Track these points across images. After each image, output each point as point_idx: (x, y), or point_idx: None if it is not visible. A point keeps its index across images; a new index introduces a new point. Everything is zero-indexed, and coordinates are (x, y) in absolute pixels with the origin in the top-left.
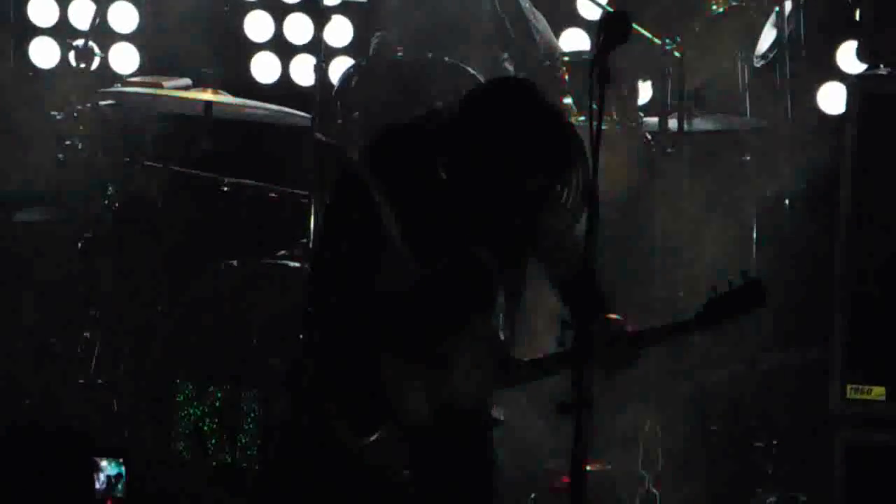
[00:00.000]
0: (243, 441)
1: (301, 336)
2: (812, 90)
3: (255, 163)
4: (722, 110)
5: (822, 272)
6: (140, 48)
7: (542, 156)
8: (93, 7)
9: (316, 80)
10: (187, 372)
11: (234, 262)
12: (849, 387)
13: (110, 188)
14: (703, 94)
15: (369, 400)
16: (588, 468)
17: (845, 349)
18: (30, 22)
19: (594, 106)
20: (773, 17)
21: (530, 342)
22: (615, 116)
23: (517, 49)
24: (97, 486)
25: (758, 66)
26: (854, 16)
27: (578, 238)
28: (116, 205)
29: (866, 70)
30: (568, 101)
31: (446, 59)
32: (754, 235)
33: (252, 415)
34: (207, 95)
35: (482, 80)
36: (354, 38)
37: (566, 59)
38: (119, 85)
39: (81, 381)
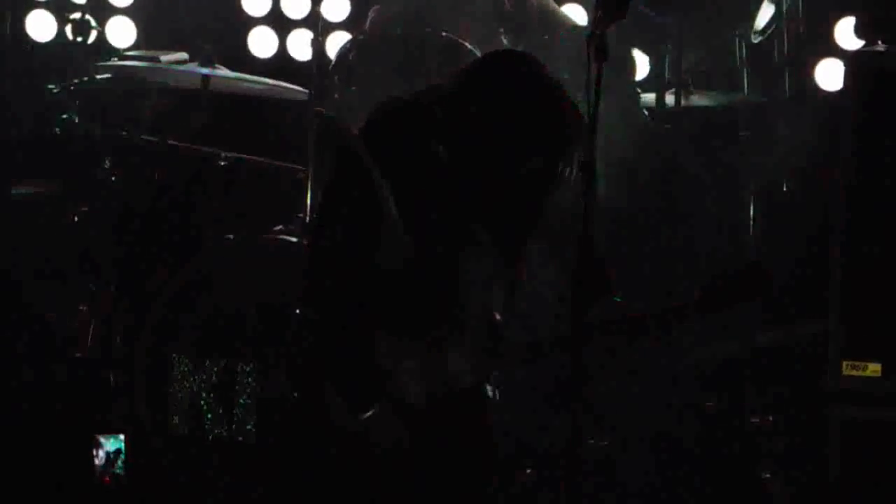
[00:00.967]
0: (240, 415)
1: (297, 312)
2: (810, 66)
3: (251, 137)
4: (719, 86)
5: (819, 249)
6: (137, 22)
7: (545, 132)
8: None
9: (313, 54)
10: (184, 346)
11: (231, 237)
12: (844, 363)
13: (107, 162)
14: (701, 70)
15: (365, 378)
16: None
17: (841, 326)
18: None
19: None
20: None
21: (527, 325)
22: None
23: (514, 22)
24: (97, 462)
25: (755, 42)
26: None
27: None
28: (113, 178)
29: (864, 46)
30: (566, 76)
31: (444, 33)
32: (752, 212)
33: (249, 389)
34: (204, 70)
35: (479, 54)
36: (351, 12)
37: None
38: (116, 59)
39: (78, 355)
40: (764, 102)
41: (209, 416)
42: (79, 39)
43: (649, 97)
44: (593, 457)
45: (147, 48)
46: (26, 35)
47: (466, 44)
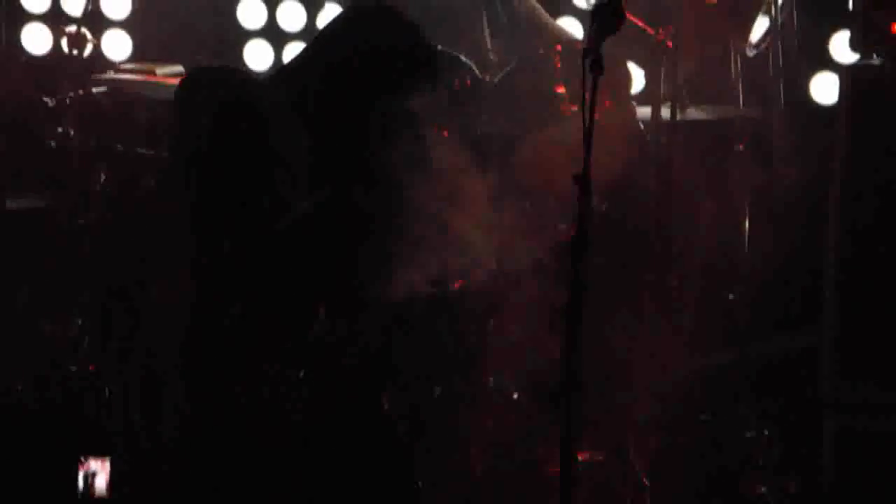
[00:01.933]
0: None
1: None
2: (805, 80)
3: None
4: (715, 100)
5: (814, 261)
6: (132, 35)
7: (399, 73)
8: None
9: None
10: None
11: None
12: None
13: (102, 175)
14: (696, 84)
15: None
16: (579, 457)
17: (835, 336)
18: (22, 8)
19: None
20: (765, 7)
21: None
22: (608, 106)
23: (508, 35)
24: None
25: (750, 55)
26: (847, 5)
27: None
28: (108, 192)
29: (859, 60)
30: (561, 90)
31: (438, 46)
32: (747, 225)
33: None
34: None
35: (473, 67)
36: None
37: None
38: (111, 72)
39: (73, 367)
40: (759, 116)
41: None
42: (74, 52)
43: (644, 110)
44: (587, 470)
45: (142, 61)
46: (22, 48)
47: (461, 56)
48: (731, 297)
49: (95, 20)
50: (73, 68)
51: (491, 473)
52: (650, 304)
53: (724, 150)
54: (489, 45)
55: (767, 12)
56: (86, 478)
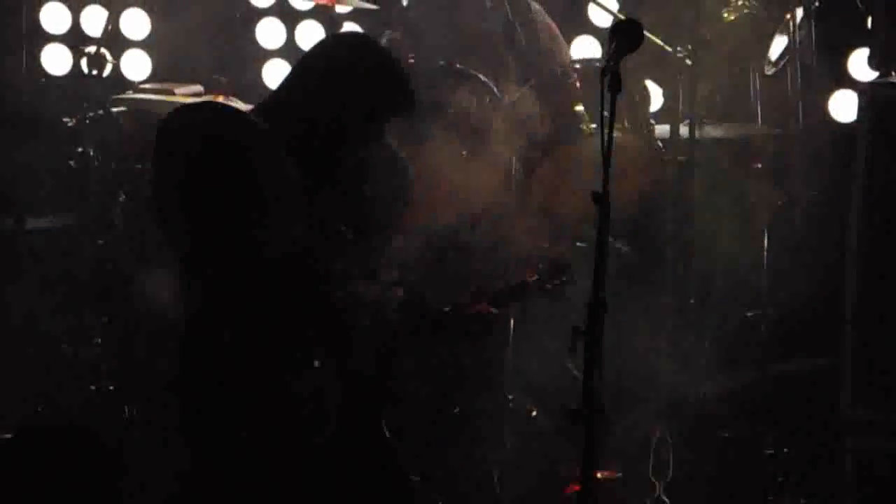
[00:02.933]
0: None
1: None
2: (823, 98)
3: None
4: (733, 118)
5: (834, 280)
6: (152, 55)
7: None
8: (105, 14)
9: None
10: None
11: None
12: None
13: (122, 195)
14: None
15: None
16: (598, 476)
17: (856, 356)
18: (42, 29)
19: (605, 113)
20: (784, 25)
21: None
22: (626, 124)
23: (528, 56)
24: None
25: (769, 73)
26: (866, 23)
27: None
28: (128, 212)
29: (878, 77)
30: (580, 108)
31: (458, 65)
32: (766, 243)
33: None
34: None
35: (493, 86)
36: None
37: (577, 66)
38: (131, 92)
39: (93, 387)
40: (777, 134)
41: None
42: (94, 73)
43: (663, 128)
44: (607, 488)
45: (162, 82)
46: (42, 69)
47: (480, 76)
48: (748, 314)
49: (115, 41)
50: (92, 89)
51: (511, 492)
52: (670, 322)
53: (742, 168)
54: (509, 65)
55: (786, 31)
56: None
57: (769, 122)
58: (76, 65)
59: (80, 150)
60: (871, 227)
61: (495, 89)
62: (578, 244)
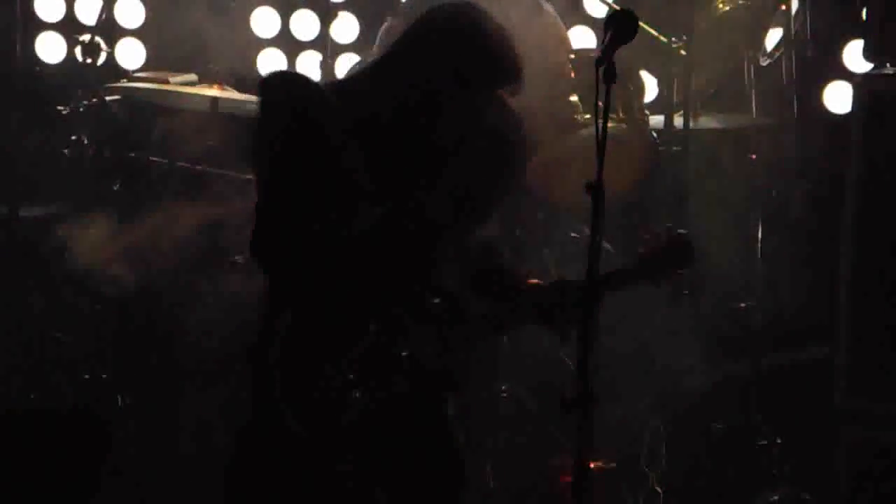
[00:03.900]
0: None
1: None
2: (818, 89)
3: None
4: (728, 109)
5: (828, 271)
6: (146, 44)
7: (488, 65)
8: (99, 2)
9: (322, 76)
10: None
11: (240, 259)
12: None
13: (116, 184)
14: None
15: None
16: (591, 466)
17: (850, 347)
18: (36, 17)
19: (600, 104)
20: (778, 16)
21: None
22: (621, 114)
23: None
24: None
25: (764, 64)
26: (860, 14)
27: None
28: (122, 201)
29: (872, 69)
30: (574, 98)
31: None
32: (759, 235)
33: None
34: (214, 91)
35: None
36: (360, 34)
37: (572, 56)
38: (125, 80)
39: (87, 376)
40: (772, 125)
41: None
42: (88, 61)
43: (658, 119)
44: (600, 479)
45: (156, 70)
46: (36, 57)
47: None
48: (742, 305)
49: (109, 29)
50: (86, 77)
51: (503, 483)
52: (664, 312)
53: (737, 158)
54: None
55: (781, 22)
56: None
57: (764, 112)
58: (70, 53)
59: (74, 138)
60: (866, 218)
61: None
62: (572, 235)
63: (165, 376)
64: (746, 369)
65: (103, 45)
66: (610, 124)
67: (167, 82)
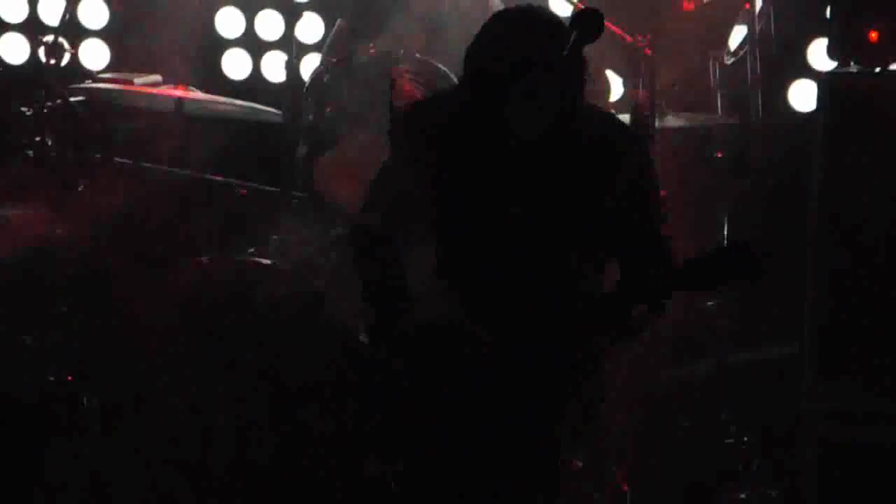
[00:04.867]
0: (217, 441)
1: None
2: (783, 87)
3: (225, 159)
4: (693, 107)
5: (793, 269)
6: (110, 44)
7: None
8: (62, 3)
9: (287, 76)
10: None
11: (205, 259)
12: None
13: (80, 185)
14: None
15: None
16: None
17: (817, 344)
18: None
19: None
20: (743, 14)
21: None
22: None
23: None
24: None
25: (728, 63)
26: (825, 13)
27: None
28: (86, 202)
29: (837, 67)
30: None
31: (416, 54)
32: (725, 232)
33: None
34: (178, 92)
35: (453, 77)
36: (326, 34)
37: None
38: (89, 81)
39: (52, 378)
40: (737, 123)
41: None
42: (52, 62)
43: (623, 118)
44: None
45: (120, 71)
46: None
47: (440, 65)
48: (709, 304)
49: (73, 30)
50: (50, 78)
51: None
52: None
53: (702, 157)
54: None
55: (745, 20)
56: None
57: (729, 111)
58: (34, 54)
59: (37, 139)
60: (831, 216)
61: (451, 76)
62: None
63: (131, 378)
64: (713, 367)
65: (67, 46)
66: None
67: (131, 83)
